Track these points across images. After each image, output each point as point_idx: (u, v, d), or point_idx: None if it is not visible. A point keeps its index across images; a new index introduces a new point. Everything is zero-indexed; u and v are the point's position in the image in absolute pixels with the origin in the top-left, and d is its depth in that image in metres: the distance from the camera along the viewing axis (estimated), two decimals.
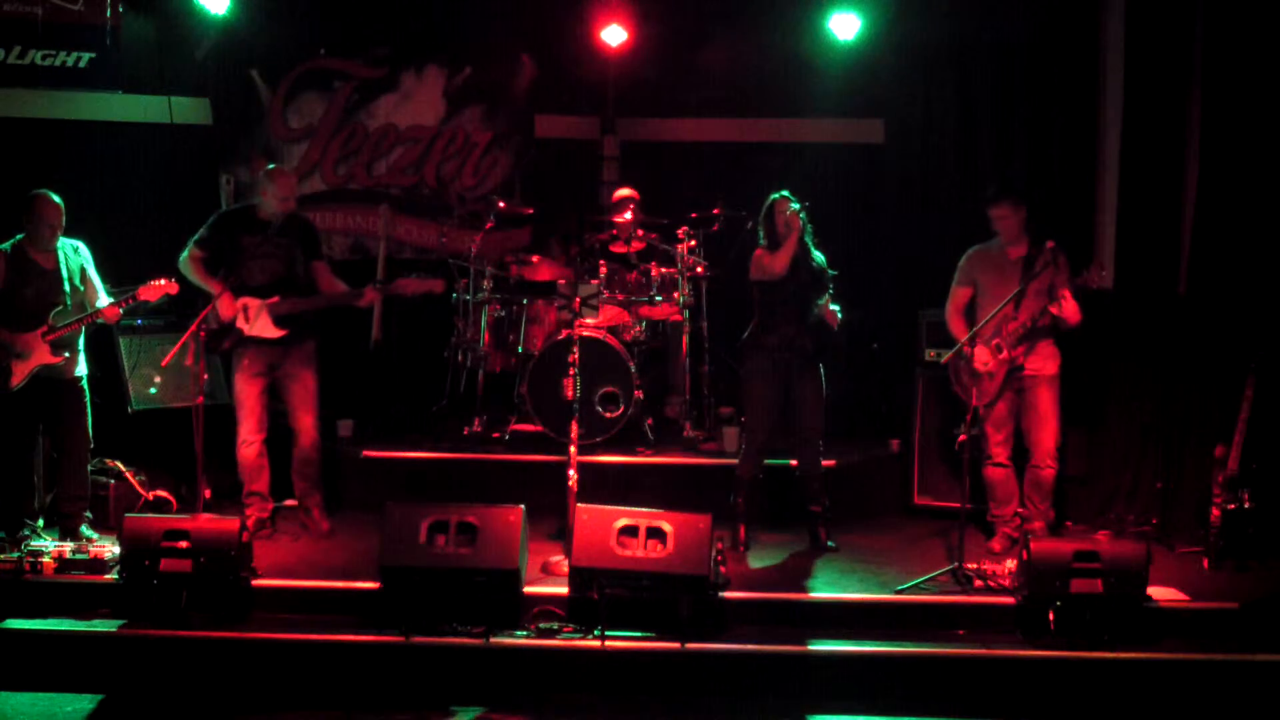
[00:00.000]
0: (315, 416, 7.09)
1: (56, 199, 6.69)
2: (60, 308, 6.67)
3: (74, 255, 6.80)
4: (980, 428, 6.81)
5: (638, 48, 8.89)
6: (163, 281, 6.69)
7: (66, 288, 6.71)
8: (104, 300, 6.82)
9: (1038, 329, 6.67)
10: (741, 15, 9.03)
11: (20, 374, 6.61)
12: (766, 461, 7.05)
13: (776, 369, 6.83)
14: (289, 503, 7.87)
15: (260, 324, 6.88)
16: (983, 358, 6.71)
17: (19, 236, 6.70)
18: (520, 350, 8.20)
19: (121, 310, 6.75)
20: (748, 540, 6.98)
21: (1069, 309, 6.51)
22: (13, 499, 6.77)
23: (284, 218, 6.97)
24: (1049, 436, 6.76)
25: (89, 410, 6.87)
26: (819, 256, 6.93)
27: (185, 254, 6.92)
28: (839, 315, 6.81)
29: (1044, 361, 6.75)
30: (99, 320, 6.76)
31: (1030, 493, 6.86)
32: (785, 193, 6.92)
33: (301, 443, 7.10)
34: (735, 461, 7.19)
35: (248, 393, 6.94)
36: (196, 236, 6.95)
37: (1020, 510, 6.89)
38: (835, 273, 6.94)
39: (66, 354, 6.71)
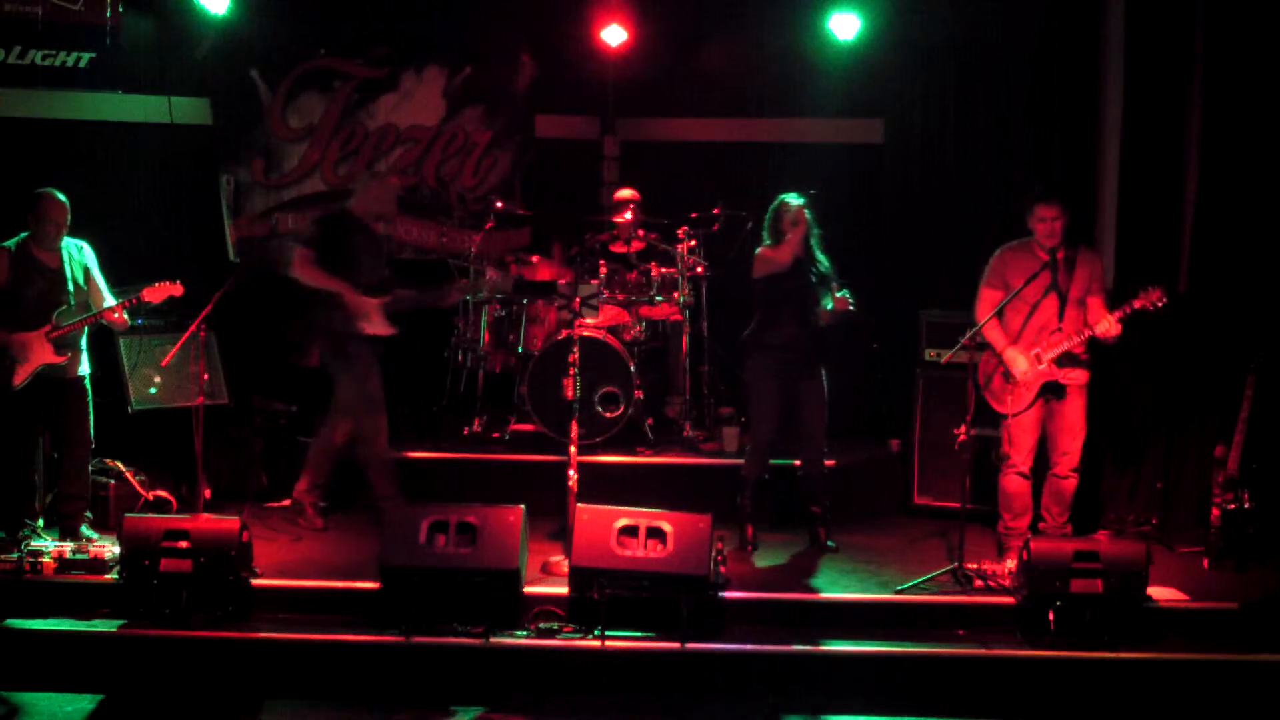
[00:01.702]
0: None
1: (62, 198, 6.66)
2: (64, 307, 6.65)
3: (78, 255, 6.78)
4: (1004, 435, 6.62)
5: (638, 48, 8.89)
6: (167, 283, 6.67)
7: (70, 287, 6.69)
8: (109, 301, 6.80)
9: (1074, 353, 6.46)
10: (741, 15, 9.03)
11: (23, 373, 6.59)
12: (769, 461, 7.05)
13: (778, 368, 6.82)
14: (288, 502, 7.89)
15: (378, 323, 6.97)
16: (1021, 366, 6.48)
17: (23, 235, 6.68)
18: (520, 350, 8.20)
19: (127, 313, 6.73)
20: (755, 540, 6.98)
21: (1112, 335, 6.32)
22: (14, 499, 6.75)
23: (379, 221, 7.18)
24: (1076, 447, 6.54)
25: (91, 410, 6.86)
26: (824, 260, 6.92)
27: (300, 260, 6.91)
28: (851, 301, 6.67)
29: (1078, 371, 6.54)
30: (103, 322, 6.75)
31: (1050, 504, 6.64)
32: (794, 195, 6.89)
33: (381, 441, 7.14)
34: (735, 461, 7.20)
35: (379, 388, 7.01)
36: (303, 239, 7.01)
37: (1044, 515, 6.72)
38: (842, 281, 6.92)
39: (70, 353, 6.70)
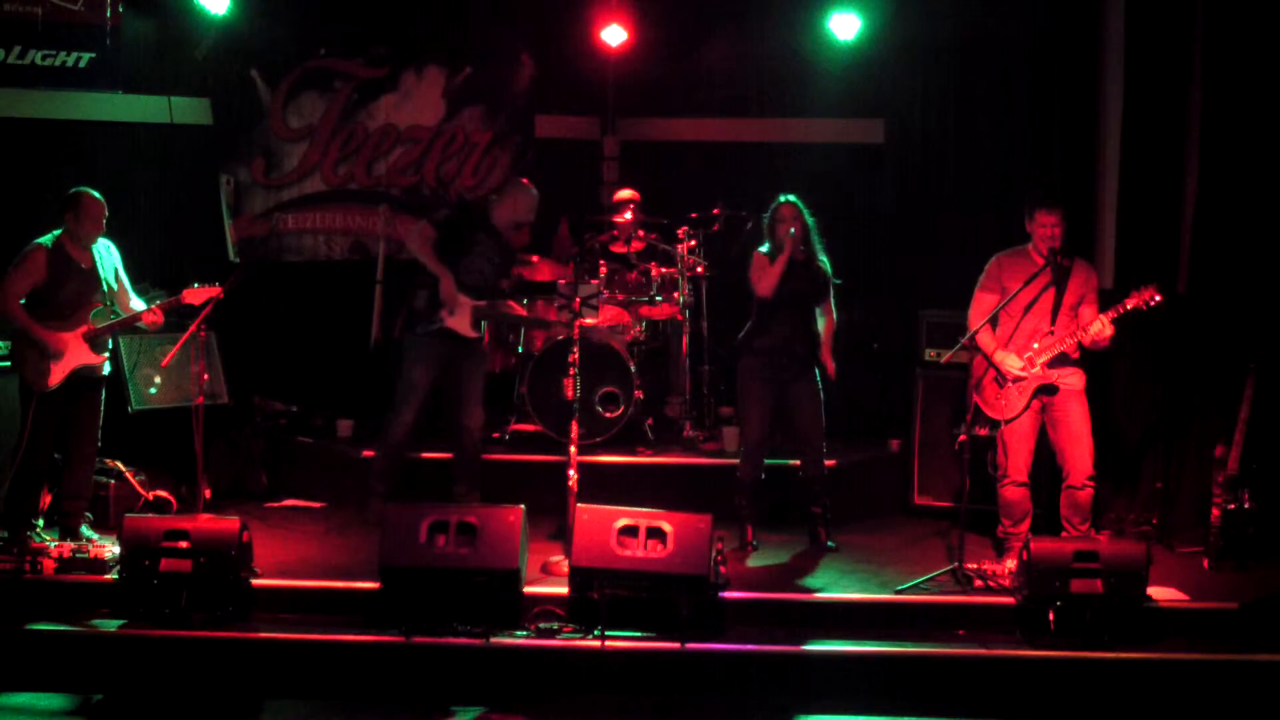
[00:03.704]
0: (484, 412, 7.30)
1: (99, 196, 6.63)
2: (99, 308, 6.62)
3: (108, 255, 6.74)
4: (999, 445, 6.59)
5: (638, 48, 8.88)
6: (208, 286, 6.61)
7: (104, 288, 6.66)
8: (135, 302, 6.79)
9: (1066, 353, 6.43)
10: (741, 15, 9.03)
11: (59, 374, 6.53)
12: (767, 461, 7.04)
13: (769, 371, 6.81)
14: (288, 502, 7.89)
15: (460, 320, 7.01)
16: (1013, 364, 6.43)
17: (57, 233, 6.61)
18: (520, 350, 8.20)
19: (163, 316, 6.70)
20: (755, 540, 6.98)
21: (1105, 336, 6.28)
22: (26, 499, 6.68)
23: (511, 230, 7.24)
24: (1086, 454, 6.45)
25: (102, 409, 6.84)
26: (824, 261, 6.90)
27: (418, 231, 7.08)
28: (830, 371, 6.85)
29: (1073, 376, 6.49)
30: (139, 324, 6.73)
31: (1069, 514, 6.53)
32: (793, 198, 6.86)
33: (474, 435, 7.22)
34: (735, 461, 7.19)
35: (425, 383, 7.07)
36: (438, 219, 7.14)
37: (1065, 527, 6.61)
38: (840, 281, 6.92)
39: (105, 354, 6.70)
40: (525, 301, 8.05)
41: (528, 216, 7.34)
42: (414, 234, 7.09)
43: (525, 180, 7.48)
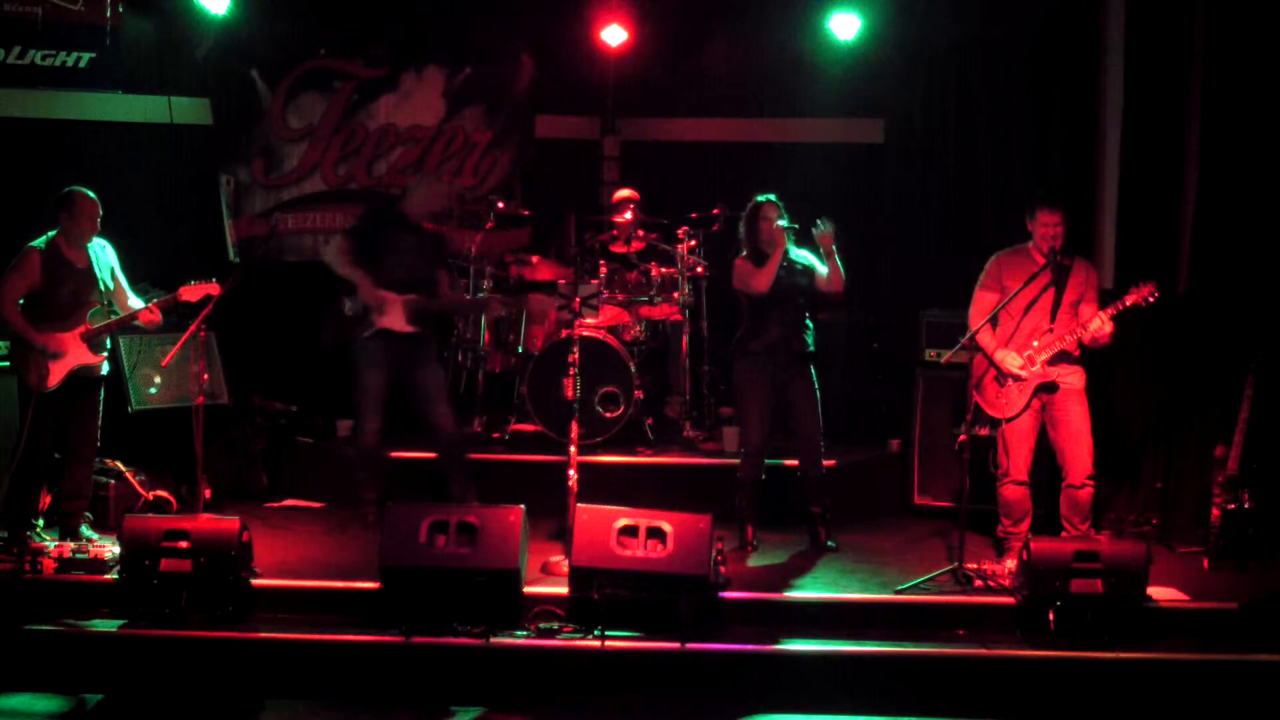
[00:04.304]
0: (450, 406, 7.26)
1: (92, 194, 6.63)
2: (96, 307, 6.62)
3: (103, 254, 6.74)
4: (999, 444, 6.59)
5: (638, 48, 8.89)
6: (204, 283, 6.61)
7: (100, 287, 6.66)
8: (133, 300, 6.79)
9: (1067, 350, 6.44)
10: (741, 15, 9.03)
11: (59, 375, 6.53)
12: (767, 461, 7.04)
13: (767, 372, 6.82)
14: (288, 502, 7.90)
15: (393, 318, 6.99)
16: (1014, 362, 6.44)
17: (51, 234, 6.62)
18: (520, 350, 8.21)
19: (160, 314, 6.71)
20: (755, 540, 6.98)
21: (1105, 333, 6.29)
22: (26, 499, 6.69)
23: (429, 220, 7.27)
24: (1086, 454, 6.46)
25: (101, 409, 6.84)
26: (800, 258, 6.90)
27: (333, 245, 7.15)
28: (833, 235, 6.70)
29: (1073, 374, 6.50)
30: (137, 323, 6.73)
31: (1069, 514, 6.53)
32: (772, 197, 6.89)
33: (448, 431, 7.19)
34: (735, 461, 7.19)
35: (378, 386, 7.08)
36: (348, 229, 7.27)
37: (1065, 526, 6.61)
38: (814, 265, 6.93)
39: (103, 353, 6.70)
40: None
41: (436, 205, 7.46)
42: (330, 252, 7.13)
43: (446, 178, 7.58)
